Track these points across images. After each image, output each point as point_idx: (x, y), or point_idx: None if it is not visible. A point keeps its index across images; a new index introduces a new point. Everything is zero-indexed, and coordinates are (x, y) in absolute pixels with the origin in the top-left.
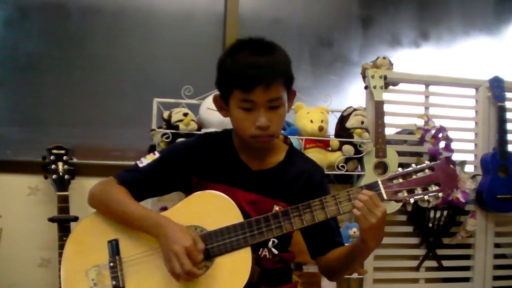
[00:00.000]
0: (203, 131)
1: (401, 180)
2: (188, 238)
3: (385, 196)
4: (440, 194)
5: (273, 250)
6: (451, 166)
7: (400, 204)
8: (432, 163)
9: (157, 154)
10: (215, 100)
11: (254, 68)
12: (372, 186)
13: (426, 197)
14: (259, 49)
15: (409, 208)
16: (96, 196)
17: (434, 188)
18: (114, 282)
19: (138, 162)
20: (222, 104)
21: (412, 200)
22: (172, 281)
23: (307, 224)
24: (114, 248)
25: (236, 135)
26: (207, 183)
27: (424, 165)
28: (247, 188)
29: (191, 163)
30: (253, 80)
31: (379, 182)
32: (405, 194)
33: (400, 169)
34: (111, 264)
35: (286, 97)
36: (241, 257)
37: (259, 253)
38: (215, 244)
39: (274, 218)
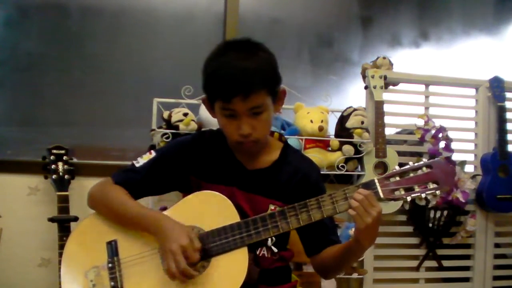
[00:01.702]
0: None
1: (398, 179)
2: (185, 237)
3: (381, 195)
4: (438, 192)
5: (273, 248)
6: (449, 164)
7: (400, 203)
8: (430, 160)
9: (153, 153)
10: (204, 102)
11: (231, 78)
12: (369, 185)
13: (423, 195)
14: (240, 54)
15: (407, 207)
16: (94, 197)
17: (432, 186)
18: (112, 283)
19: (134, 161)
20: (209, 107)
21: (409, 198)
22: (170, 282)
23: (303, 224)
24: (113, 248)
25: None
26: (205, 183)
27: (421, 163)
28: (244, 188)
29: (187, 161)
30: (230, 91)
31: (376, 181)
32: (402, 192)
33: (397, 167)
34: (110, 265)
35: (270, 101)
36: (237, 257)
37: (258, 252)
38: (212, 244)
39: (270, 218)
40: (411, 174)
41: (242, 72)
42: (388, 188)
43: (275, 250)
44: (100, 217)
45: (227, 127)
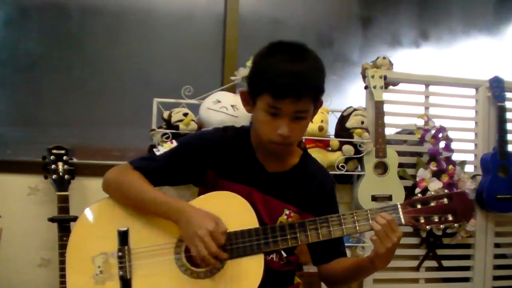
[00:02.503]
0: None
1: (419, 206)
2: (211, 221)
3: (403, 221)
4: (456, 225)
5: (283, 253)
6: (469, 198)
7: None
8: (452, 192)
9: (174, 143)
10: (242, 95)
11: (289, 77)
12: (391, 209)
13: (442, 226)
14: (297, 57)
15: (423, 235)
16: (112, 182)
17: (450, 218)
18: (121, 273)
19: (155, 150)
20: (249, 101)
21: (428, 227)
22: (180, 278)
23: (323, 239)
24: (124, 237)
25: (254, 134)
26: (222, 180)
27: (443, 193)
28: (262, 189)
29: (208, 155)
30: (285, 90)
31: (399, 206)
32: (422, 221)
33: (420, 195)
34: (120, 253)
35: (312, 108)
36: (252, 264)
37: (269, 257)
38: (228, 247)
39: (290, 229)
40: (432, 203)
41: (299, 74)
42: (410, 215)
43: (284, 255)
44: (112, 203)
45: (266, 124)
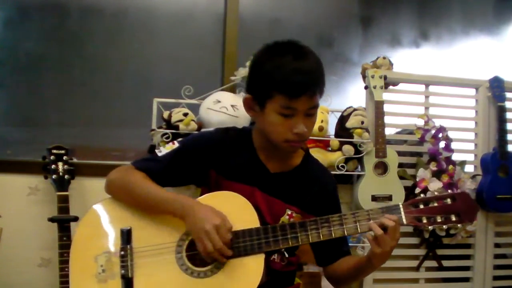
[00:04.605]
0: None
1: (422, 206)
2: (217, 217)
3: (405, 221)
4: (459, 226)
5: (285, 253)
6: (473, 199)
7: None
8: (455, 192)
9: (176, 144)
10: (245, 101)
11: (301, 76)
12: (393, 209)
13: (445, 227)
14: (300, 54)
15: (426, 235)
16: (116, 182)
17: (454, 218)
18: (123, 271)
19: (157, 151)
20: (255, 106)
21: (431, 228)
22: (181, 277)
23: (323, 239)
24: (127, 236)
25: (257, 136)
26: (226, 180)
27: (446, 194)
28: (264, 189)
29: (210, 155)
30: (300, 88)
31: (401, 206)
32: (425, 221)
33: (422, 195)
34: (122, 252)
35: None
36: (253, 263)
37: (270, 257)
38: (233, 246)
39: (291, 228)
40: (435, 204)
41: (309, 70)
42: (411, 215)
43: (286, 255)
44: (114, 203)
45: (279, 125)
